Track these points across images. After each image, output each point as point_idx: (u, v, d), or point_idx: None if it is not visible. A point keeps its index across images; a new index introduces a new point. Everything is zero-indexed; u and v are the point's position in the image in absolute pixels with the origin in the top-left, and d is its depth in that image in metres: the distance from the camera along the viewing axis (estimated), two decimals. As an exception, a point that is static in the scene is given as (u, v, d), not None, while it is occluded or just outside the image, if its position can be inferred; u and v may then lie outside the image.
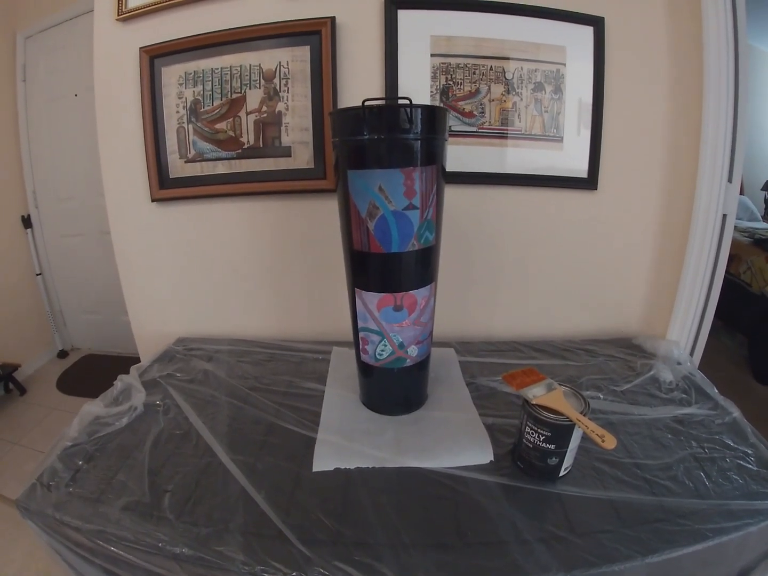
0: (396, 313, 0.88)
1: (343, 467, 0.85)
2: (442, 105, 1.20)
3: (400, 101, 0.77)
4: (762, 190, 4.16)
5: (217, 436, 0.94)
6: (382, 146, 0.79)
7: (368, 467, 0.86)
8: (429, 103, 1.20)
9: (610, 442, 0.73)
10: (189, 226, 1.37)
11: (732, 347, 3.00)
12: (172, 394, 1.08)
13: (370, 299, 0.88)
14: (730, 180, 1.27)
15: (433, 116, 0.81)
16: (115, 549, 0.72)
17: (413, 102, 0.76)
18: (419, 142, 0.79)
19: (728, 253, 1.39)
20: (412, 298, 0.88)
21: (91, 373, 2.92)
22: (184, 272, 1.42)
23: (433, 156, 0.82)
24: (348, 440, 0.91)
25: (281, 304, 1.43)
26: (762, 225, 3.69)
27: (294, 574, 0.65)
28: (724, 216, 1.32)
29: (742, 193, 3.87)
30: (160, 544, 0.70)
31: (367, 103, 0.77)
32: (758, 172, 4.13)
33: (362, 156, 0.80)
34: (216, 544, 0.70)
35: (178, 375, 1.18)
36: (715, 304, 1.40)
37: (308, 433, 0.94)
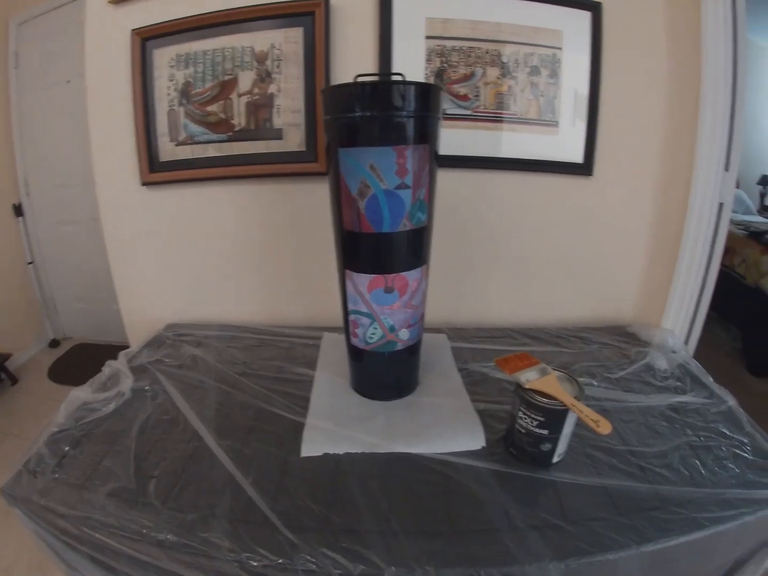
0: (387, 295, 0.86)
1: (332, 453, 0.84)
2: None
3: (393, 77, 0.75)
4: (757, 184, 4.17)
5: (204, 422, 0.92)
6: (375, 124, 0.77)
7: (358, 453, 0.84)
8: (423, 83, 1.18)
9: (605, 427, 0.71)
10: (179, 211, 1.35)
11: (726, 339, 3.00)
12: (160, 380, 1.07)
13: (361, 281, 0.86)
14: (726, 168, 1.27)
15: (426, 94, 0.79)
16: (99, 536, 0.71)
17: (407, 80, 0.74)
18: (412, 119, 0.77)
19: (724, 242, 1.38)
20: (403, 280, 0.86)
21: (83, 362, 2.90)
22: (174, 257, 1.40)
23: (425, 135, 0.80)
24: (337, 425, 0.90)
25: (272, 289, 1.41)
26: (757, 218, 3.70)
27: (280, 561, 0.64)
28: (721, 204, 1.31)
29: (737, 187, 3.87)
30: (144, 531, 0.69)
31: (359, 79, 0.75)
32: (753, 167, 4.14)
33: (354, 133, 0.79)
34: (201, 530, 0.69)
35: (167, 360, 1.16)
36: (711, 293, 1.40)
37: (297, 418, 0.93)
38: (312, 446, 0.85)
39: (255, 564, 0.65)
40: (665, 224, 1.32)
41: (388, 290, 0.85)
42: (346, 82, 0.77)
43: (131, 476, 0.79)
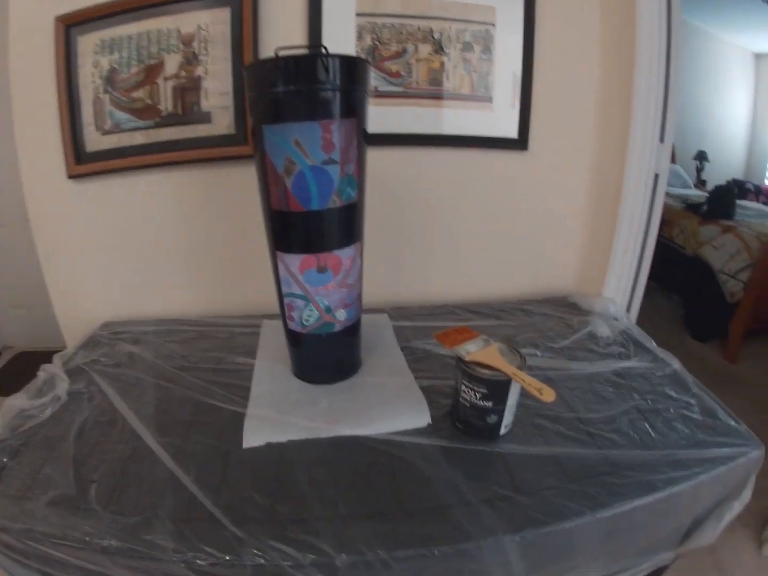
0: (320, 275, 0.83)
1: (274, 441, 0.81)
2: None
3: (316, 50, 0.72)
4: (694, 159, 4.32)
5: (143, 420, 0.88)
6: (298, 98, 0.74)
7: (301, 439, 0.82)
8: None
9: (548, 395, 0.71)
10: (108, 203, 1.29)
11: (668, 308, 3.11)
12: (96, 381, 1.02)
13: (292, 262, 0.83)
14: (662, 140, 1.29)
15: (352, 67, 0.76)
16: (43, 548, 0.66)
17: (331, 52, 0.72)
18: (337, 93, 0.75)
19: (661, 212, 1.41)
20: (336, 259, 0.83)
21: (25, 371, 2.71)
22: (106, 253, 1.33)
23: (352, 108, 0.77)
24: (279, 413, 0.87)
25: (210, 278, 1.37)
26: (694, 192, 3.83)
27: (228, 557, 0.61)
28: (657, 175, 1.33)
29: (674, 161, 4.01)
30: (87, 538, 0.64)
31: (281, 53, 0.72)
32: (690, 143, 4.28)
33: (277, 109, 0.75)
34: (145, 532, 0.65)
35: (103, 360, 1.11)
36: (650, 262, 1.43)
37: (238, 409, 0.90)
38: (254, 436, 0.82)
39: (202, 563, 0.61)
40: (602, 195, 1.34)
41: (321, 270, 0.83)
42: (268, 57, 0.74)
43: (71, 482, 0.74)
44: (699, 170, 4.36)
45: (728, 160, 4.59)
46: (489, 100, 1.22)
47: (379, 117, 1.14)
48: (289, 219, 0.81)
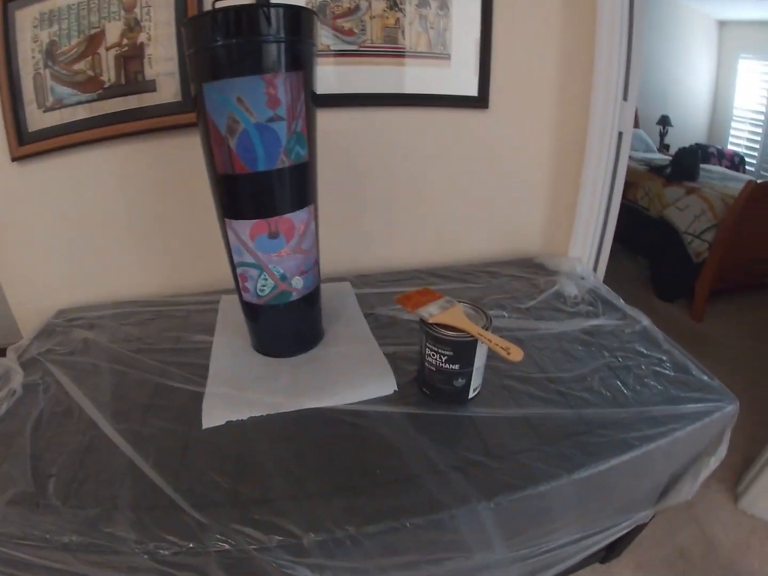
0: (272, 240, 0.79)
1: (235, 419, 0.78)
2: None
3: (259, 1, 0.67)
4: (657, 124, 4.36)
5: (99, 408, 0.84)
6: (239, 52, 0.68)
7: (262, 416, 0.78)
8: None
9: (516, 354, 0.69)
10: (56, 185, 1.21)
11: (634, 270, 3.13)
12: (51, 371, 0.97)
13: (242, 228, 0.78)
14: (625, 98, 1.27)
15: (296, 17, 0.71)
16: (6, 549, 0.62)
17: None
18: (281, 45, 0.69)
19: (625, 171, 1.40)
20: (288, 223, 0.79)
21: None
22: (56, 237, 1.26)
23: (298, 61, 0.72)
24: (239, 390, 0.83)
25: (164, 256, 1.31)
26: (658, 156, 3.86)
27: (191, 545, 0.58)
28: (620, 134, 1.32)
29: (637, 126, 4.04)
30: (48, 536, 0.61)
31: (218, 5, 0.67)
32: (653, 108, 4.30)
33: (217, 65, 0.70)
34: (105, 525, 0.62)
35: (58, 349, 1.06)
36: (615, 221, 1.43)
37: (197, 388, 0.86)
38: (213, 416, 0.78)
39: (165, 552, 0.59)
40: (566, 154, 1.32)
41: (273, 235, 0.78)
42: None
43: (29, 479, 0.71)
44: (662, 135, 4.38)
45: (691, 124, 4.62)
46: (447, 57, 1.18)
47: (333, 77, 1.10)
48: (236, 182, 0.76)
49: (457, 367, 0.74)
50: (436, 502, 0.63)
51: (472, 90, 1.21)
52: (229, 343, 0.98)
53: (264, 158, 0.72)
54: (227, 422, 0.77)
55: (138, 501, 0.65)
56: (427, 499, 0.64)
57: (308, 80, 0.75)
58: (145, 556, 0.59)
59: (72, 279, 1.31)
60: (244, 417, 0.78)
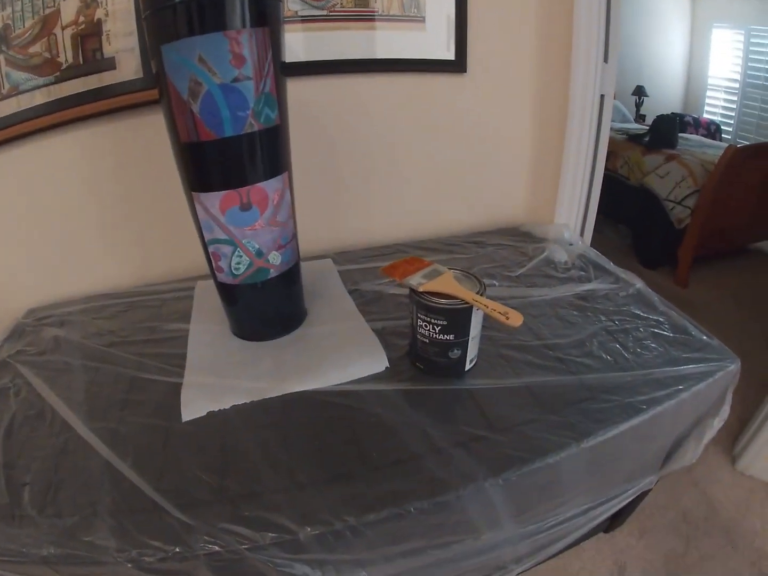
0: (244, 213, 0.73)
1: (216, 409, 0.73)
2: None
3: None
4: (632, 95, 4.38)
5: (73, 408, 0.79)
6: (198, 7, 0.62)
7: (246, 403, 0.74)
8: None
9: (515, 319, 0.65)
10: (17, 178, 1.15)
11: (616, 239, 3.16)
12: (22, 372, 0.92)
13: (211, 201, 0.72)
14: (606, 60, 1.24)
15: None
16: None
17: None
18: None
19: (609, 134, 1.37)
20: (261, 193, 0.73)
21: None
22: (21, 233, 1.20)
23: (263, 16, 0.66)
24: (219, 377, 0.78)
25: (137, 244, 1.25)
26: (635, 125, 3.89)
27: (177, 549, 0.54)
28: (602, 96, 1.30)
29: (614, 98, 4.04)
30: (24, 549, 0.57)
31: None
32: (628, 79, 4.34)
33: (176, 24, 0.64)
34: (85, 534, 0.57)
35: (28, 350, 1.00)
36: (600, 185, 1.41)
37: (175, 379, 0.81)
38: (193, 407, 0.73)
39: (150, 559, 0.54)
40: (548, 118, 1.29)
41: (245, 207, 0.72)
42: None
43: (2, 489, 0.66)
44: (638, 105, 4.40)
45: (667, 94, 4.65)
46: (422, 20, 1.12)
47: (303, 45, 1.05)
48: (201, 151, 0.70)
49: (452, 337, 0.70)
50: (440, 483, 0.60)
51: (448, 53, 1.16)
52: (207, 329, 0.93)
53: (231, 122, 0.66)
54: (208, 413, 0.73)
55: (118, 505, 0.61)
56: (430, 480, 0.60)
57: (275, 37, 0.69)
58: (129, 565, 0.55)
59: (40, 276, 1.25)
60: (226, 406, 0.73)
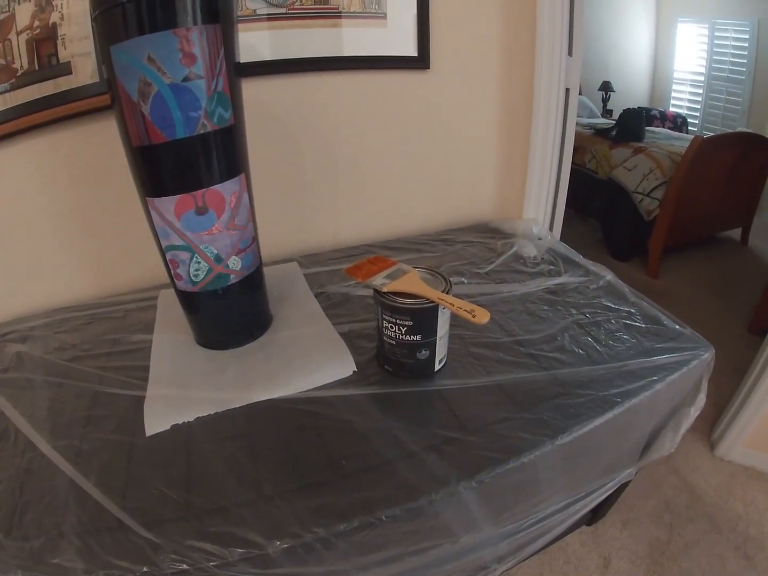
0: (200, 217, 0.70)
1: (181, 422, 0.71)
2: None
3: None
4: (599, 90, 4.44)
5: (36, 426, 0.76)
6: (146, 6, 0.60)
7: (210, 414, 0.71)
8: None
9: (482, 316, 0.64)
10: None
11: (586, 233, 3.19)
12: None
13: (165, 206, 0.69)
14: (570, 53, 1.25)
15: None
16: None
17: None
18: (194, -4, 0.62)
19: (574, 127, 1.38)
20: (217, 196, 0.71)
21: None
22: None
23: (215, 12, 0.64)
24: (183, 389, 0.75)
25: (96, 254, 1.21)
26: (602, 120, 3.94)
27: (145, 569, 0.52)
28: (567, 90, 1.30)
29: (580, 93, 4.08)
30: None
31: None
32: (594, 75, 4.39)
33: (124, 24, 0.61)
34: (51, 556, 0.55)
35: (-10, 368, 0.97)
36: (567, 179, 1.41)
37: (138, 393, 0.78)
38: (156, 421, 0.70)
39: None
40: (514, 113, 1.28)
41: (201, 211, 0.70)
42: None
43: None
44: (605, 101, 4.46)
45: (633, 89, 4.72)
46: (383, 16, 1.11)
47: (263, 44, 1.02)
48: (153, 154, 0.67)
49: (419, 337, 0.69)
50: (413, 489, 0.59)
51: (411, 50, 1.15)
52: (170, 339, 0.90)
53: (183, 123, 0.64)
54: (172, 426, 0.70)
55: (84, 525, 0.59)
56: (402, 486, 0.59)
57: (228, 34, 0.67)
58: (96, 587, 0.52)
59: (1, 291, 1.20)
60: (191, 418, 0.71)
